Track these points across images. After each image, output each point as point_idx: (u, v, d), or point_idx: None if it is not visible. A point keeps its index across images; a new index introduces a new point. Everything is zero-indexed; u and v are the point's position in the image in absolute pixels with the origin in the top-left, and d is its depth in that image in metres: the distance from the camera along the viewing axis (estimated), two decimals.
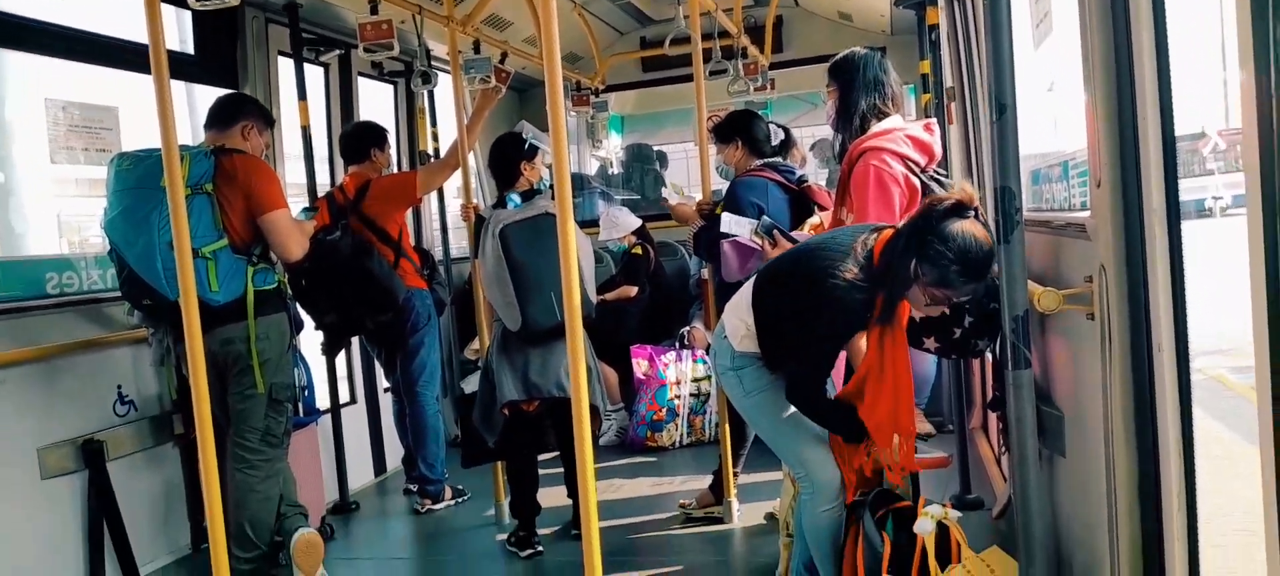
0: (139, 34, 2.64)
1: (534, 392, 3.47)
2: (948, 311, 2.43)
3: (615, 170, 7.54)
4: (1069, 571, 2.42)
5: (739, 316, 2.64)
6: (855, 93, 2.84)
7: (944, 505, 2.45)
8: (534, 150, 3.65)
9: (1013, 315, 1.72)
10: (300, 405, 3.94)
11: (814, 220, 3.19)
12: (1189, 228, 1.71)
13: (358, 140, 4.33)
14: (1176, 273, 1.61)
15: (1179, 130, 1.62)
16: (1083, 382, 2.06)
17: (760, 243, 2.93)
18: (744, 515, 3.90)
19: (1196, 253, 2.26)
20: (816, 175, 4.19)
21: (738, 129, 3.67)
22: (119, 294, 3.17)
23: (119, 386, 3.44)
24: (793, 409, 2.57)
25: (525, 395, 3.48)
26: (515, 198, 3.59)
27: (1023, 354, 1.74)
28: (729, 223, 3.09)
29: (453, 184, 4.76)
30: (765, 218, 3.07)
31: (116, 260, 3.04)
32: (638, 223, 5.47)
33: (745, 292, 2.65)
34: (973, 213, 2.27)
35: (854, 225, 2.62)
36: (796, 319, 2.48)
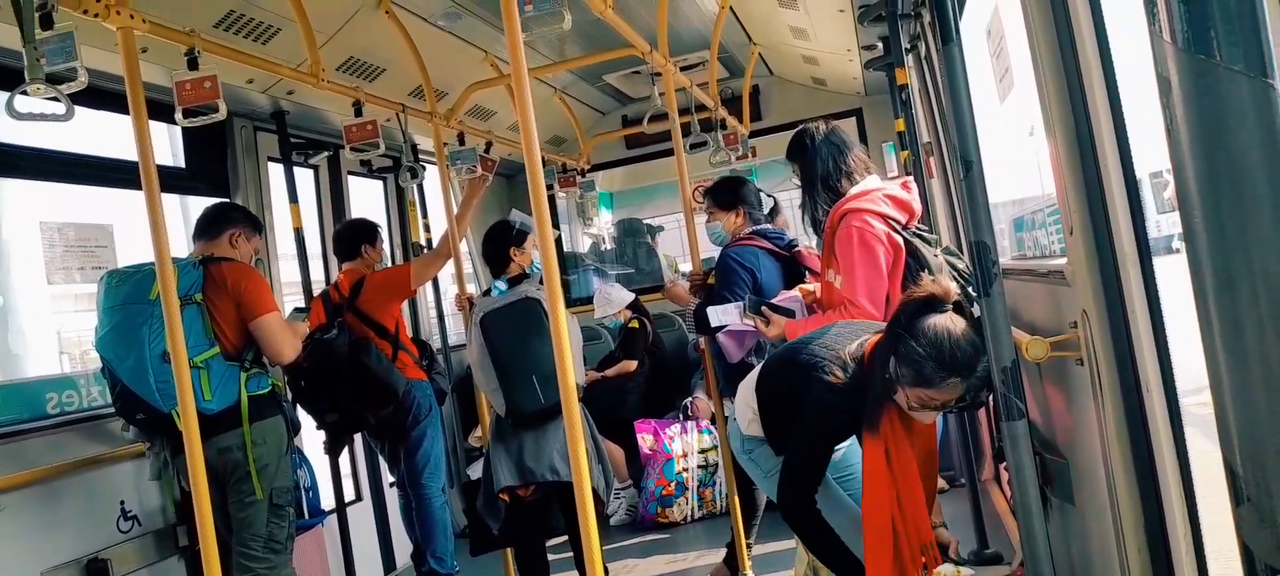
0: (131, 152, 2.71)
1: (528, 477, 3.45)
2: (945, 410, 2.31)
3: (608, 246, 7.61)
4: None
5: (746, 400, 2.65)
6: (814, 165, 2.90)
7: (956, 564, 2.42)
8: (522, 235, 3.71)
9: (1001, 366, 1.72)
10: (304, 507, 3.90)
11: (805, 286, 3.22)
12: (1165, 264, 1.73)
13: (349, 238, 4.39)
14: (1155, 311, 1.62)
15: (1146, 169, 1.65)
16: (1081, 428, 2.05)
17: (752, 322, 2.95)
18: None
19: (1182, 287, 2.28)
20: (805, 237, 4.24)
21: (738, 196, 3.73)
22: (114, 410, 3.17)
23: (122, 502, 3.41)
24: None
25: (520, 480, 3.47)
26: (500, 285, 3.64)
27: (1016, 405, 1.74)
28: (717, 314, 3.12)
29: (447, 272, 4.80)
30: (750, 297, 3.09)
31: (109, 376, 3.06)
32: (631, 297, 5.50)
33: (751, 378, 2.65)
34: (949, 307, 2.18)
35: (857, 322, 2.57)
36: (787, 417, 2.44)
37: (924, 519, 2.31)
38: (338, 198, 5.07)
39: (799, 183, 3.00)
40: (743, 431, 2.67)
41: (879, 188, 2.81)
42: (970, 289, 2.66)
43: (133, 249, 3.49)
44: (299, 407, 3.93)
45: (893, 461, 2.27)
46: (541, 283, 3.43)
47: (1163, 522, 1.74)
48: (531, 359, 3.39)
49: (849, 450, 2.56)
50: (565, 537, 3.78)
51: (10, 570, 2.96)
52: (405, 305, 4.84)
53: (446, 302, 5.38)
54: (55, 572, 3.09)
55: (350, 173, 5.19)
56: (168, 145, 5.15)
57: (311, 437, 4.23)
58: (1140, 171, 1.66)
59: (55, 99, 2.53)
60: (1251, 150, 0.79)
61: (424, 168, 4.52)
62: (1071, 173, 1.71)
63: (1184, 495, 1.68)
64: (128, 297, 3.01)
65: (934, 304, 2.18)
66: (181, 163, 4.31)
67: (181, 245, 3.52)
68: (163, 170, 2.73)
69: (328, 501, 4.32)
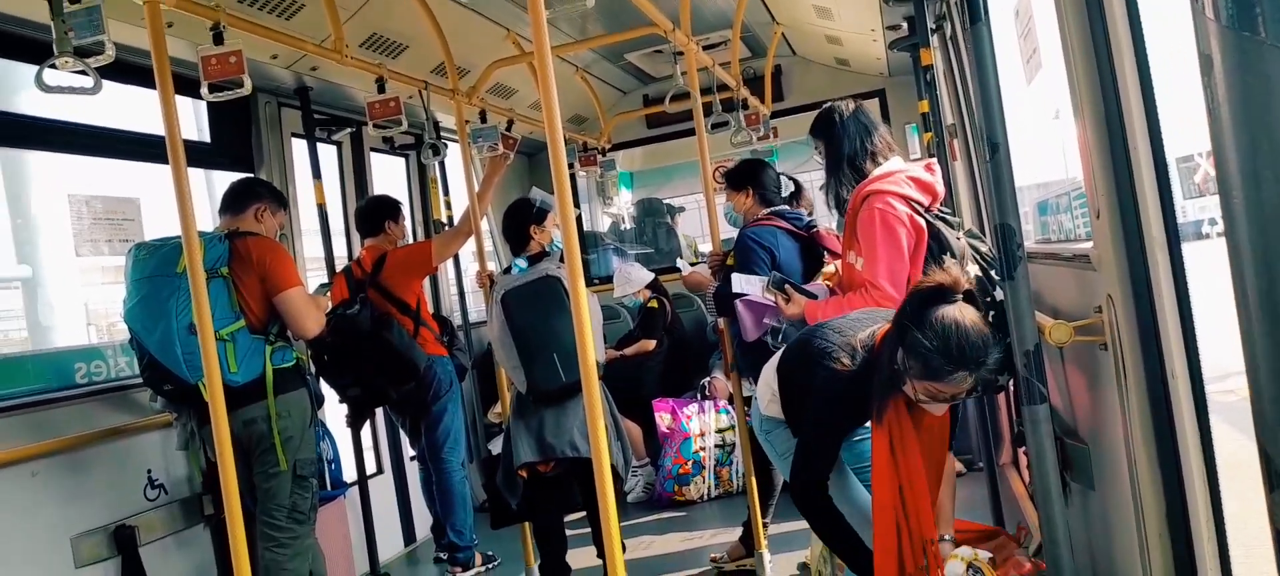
0: (157, 126, 2.74)
1: (548, 453, 3.48)
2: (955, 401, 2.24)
3: (627, 226, 7.61)
4: None
5: (767, 381, 2.65)
6: (840, 144, 2.88)
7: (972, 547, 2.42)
8: (542, 213, 3.71)
9: (1024, 350, 1.71)
10: (327, 479, 3.95)
11: (827, 269, 3.20)
12: (1194, 250, 1.71)
13: (372, 214, 4.42)
14: (1182, 298, 1.61)
15: (1175, 153, 1.63)
16: (1103, 413, 2.04)
17: (773, 298, 2.94)
18: (776, 566, 3.85)
19: (1210, 273, 2.25)
20: (827, 218, 4.23)
21: (749, 178, 3.71)
22: (142, 381, 3.22)
23: (149, 471, 3.47)
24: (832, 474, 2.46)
25: (540, 456, 3.49)
26: (520, 262, 3.65)
27: (1037, 389, 1.74)
28: (740, 282, 3.11)
29: (468, 250, 4.83)
30: (775, 272, 3.09)
31: (137, 348, 3.11)
32: (650, 277, 5.50)
33: (774, 359, 2.66)
34: (960, 296, 2.12)
35: (876, 309, 2.55)
36: (802, 400, 2.43)
37: (928, 513, 2.27)
38: (360, 174, 5.09)
39: (823, 161, 2.98)
40: (763, 411, 2.67)
41: (902, 169, 2.78)
42: (993, 272, 2.64)
43: (159, 222, 3.53)
44: (322, 381, 3.97)
45: (897, 453, 2.24)
46: (562, 261, 3.45)
47: (1185, 509, 1.73)
48: (552, 336, 3.40)
49: (866, 441, 2.56)
50: (583, 513, 3.82)
51: (41, 535, 3.03)
52: (426, 281, 4.87)
53: (467, 280, 5.41)
54: (84, 538, 3.15)
55: (372, 149, 5.21)
56: (193, 120, 5.21)
57: (334, 411, 4.29)
58: (1169, 155, 1.64)
59: (83, 72, 2.56)
60: None
61: (446, 145, 4.54)
62: (1100, 155, 1.69)
63: (1207, 483, 1.67)
64: (155, 270, 3.05)
65: (944, 294, 2.11)
66: (207, 138, 4.35)
67: (207, 219, 3.56)
68: (189, 144, 2.76)
69: (350, 473, 4.38)
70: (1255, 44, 0.79)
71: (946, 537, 2.35)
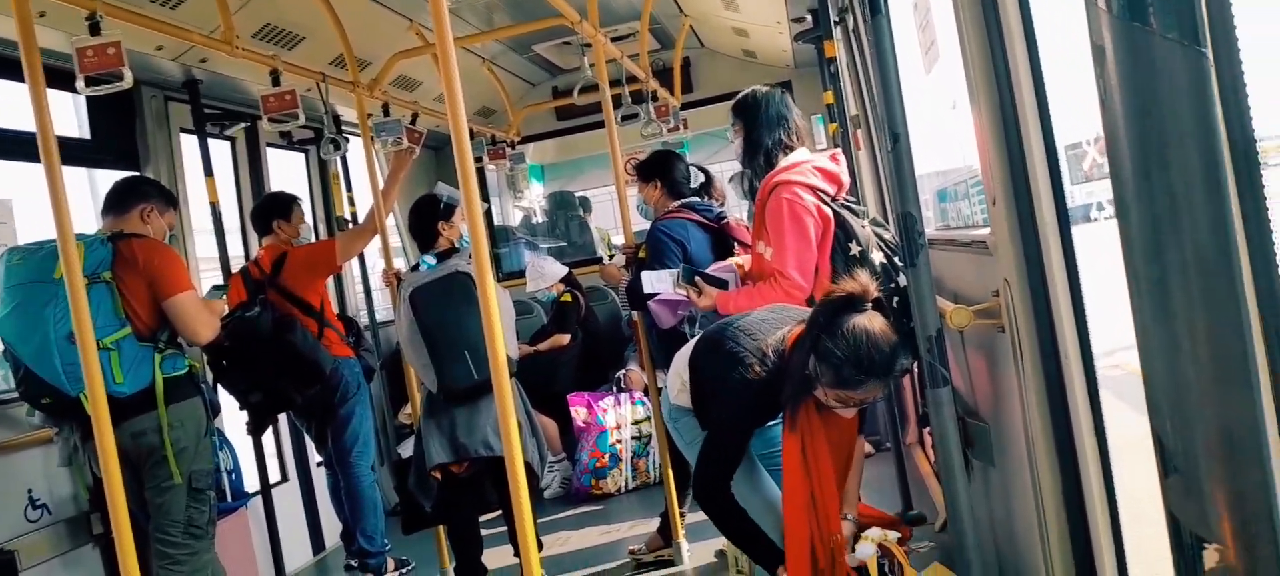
0: (29, 122, 2.56)
1: (462, 453, 3.42)
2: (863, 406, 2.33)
3: (539, 219, 7.54)
4: None
5: (678, 371, 2.66)
6: (759, 130, 2.90)
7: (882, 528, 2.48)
8: (449, 209, 3.64)
9: (926, 336, 1.76)
10: (227, 490, 3.78)
11: (736, 260, 3.23)
12: (1082, 233, 1.78)
13: (261, 214, 4.25)
14: (1073, 281, 1.67)
15: (1065, 141, 1.69)
16: (1002, 393, 2.11)
17: (685, 292, 2.95)
18: (694, 554, 3.88)
19: (1097, 255, 2.36)
20: (737, 208, 4.27)
21: (657, 170, 3.72)
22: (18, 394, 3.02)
23: (30, 490, 3.26)
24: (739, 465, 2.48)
25: (453, 457, 3.43)
26: (428, 260, 3.57)
27: (940, 372, 1.78)
28: (650, 281, 3.11)
29: (374, 247, 4.69)
30: (684, 265, 3.10)
31: (11, 360, 2.91)
32: (564, 271, 5.46)
33: (687, 349, 2.65)
34: (869, 306, 2.18)
35: (788, 306, 2.58)
36: (713, 398, 2.46)
37: (835, 516, 2.32)
38: (256, 171, 4.88)
39: (739, 144, 2.99)
40: (671, 400, 2.68)
41: (809, 160, 2.83)
42: (897, 259, 2.71)
43: (37, 226, 3.31)
44: (220, 388, 3.80)
45: (808, 455, 2.29)
46: (471, 257, 3.38)
47: (1078, 483, 1.81)
48: (463, 333, 3.34)
49: (778, 427, 2.59)
50: (499, 512, 3.76)
51: None
52: (330, 281, 4.71)
53: (373, 278, 5.26)
54: None
55: (269, 145, 5.01)
56: (73, 115, 4.89)
57: (233, 419, 4.10)
58: (1059, 144, 1.71)
59: None
60: (1184, 119, 0.78)
61: (347, 140, 4.39)
62: (995, 144, 1.74)
63: (1099, 457, 1.74)
64: (30, 276, 2.86)
65: (853, 303, 2.17)
66: (87, 134, 4.09)
67: (91, 221, 3.35)
68: (65, 142, 2.60)
69: (252, 483, 4.20)
70: (1146, 35, 0.81)
71: (849, 517, 2.41)
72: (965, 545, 1.87)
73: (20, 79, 2.35)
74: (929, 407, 1.94)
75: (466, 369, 3.36)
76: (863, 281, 2.21)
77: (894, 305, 2.62)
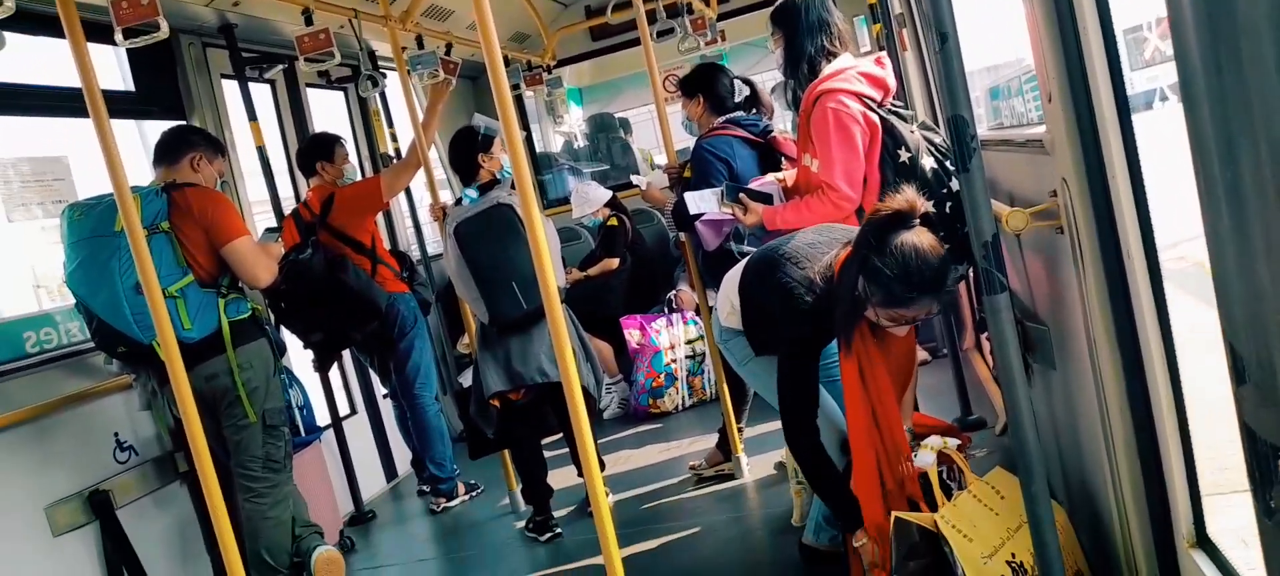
0: (75, 78, 2.61)
1: (517, 381, 3.48)
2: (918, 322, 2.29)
3: (581, 143, 7.49)
4: (1071, 480, 2.45)
5: (727, 294, 2.65)
6: (800, 38, 2.81)
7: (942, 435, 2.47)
8: (488, 140, 3.63)
9: (981, 242, 1.71)
10: (299, 425, 3.92)
11: (780, 174, 3.17)
12: (1145, 120, 1.70)
13: (304, 156, 4.30)
14: (1135, 176, 1.61)
15: (1123, 25, 1.61)
16: (1062, 295, 2.06)
17: (730, 210, 2.91)
18: (753, 468, 3.93)
19: (1160, 142, 2.26)
20: (780, 120, 4.17)
21: (700, 84, 3.63)
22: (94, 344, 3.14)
23: (116, 433, 3.42)
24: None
25: (509, 385, 3.49)
26: (470, 193, 3.58)
27: (997, 278, 1.74)
28: (695, 201, 3.08)
29: (420, 183, 4.72)
30: (728, 183, 3.05)
31: (84, 311, 3.02)
32: (608, 195, 5.44)
33: (736, 272, 2.63)
34: (917, 221, 2.14)
35: (834, 227, 2.54)
36: (764, 324, 2.45)
37: (900, 435, 2.31)
38: (298, 112, 4.92)
39: (780, 54, 2.91)
40: (722, 322, 2.68)
41: (853, 66, 2.74)
42: (949, 164, 2.63)
43: (93, 180, 3.39)
44: (283, 329, 3.90)
45: (866, 377, 2.27)
46: (513, 187, 3.38)
47: (1144, 383, 1.77)
48: (509, 265, 3.37)
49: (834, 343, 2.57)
50: (561, 435, 3.84)
51: (13, 508, 2.98)
52: (381, 218, 4.77)
53: (422, 212, 5.30)
54: (58, 506, 3.11)
55: (309, 85, 5.03)
56: (117, 69, 4.95)
57: (300, 357, 4.23)
58: (1117, 29, 1.62)
59: None
60: (1259, 3, 0.71)
61: (384, 75, 4.39)
62: (1049, 36, 1.66)
63: (1165, 354, 1.70)
64: (92, 231, 2.94)
65: (901, 219, 2.13)
66: (131, 86, 4.15)
67: (144, 172, 3.42)
68: (111, 95, 2.64)
69: (324, 417, 4.35)
70: None
71: (907, 429, 2.40)
72: (1026, 449, 1.85)
73: (61, 35, 2.38)
74: (986, 314, 1.90)
75: (515, 299, 3.39)
76: (909, 197, 2.15)
77: (947, 211, 2.56)
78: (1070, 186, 1.74)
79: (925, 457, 2.37)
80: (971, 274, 3.01)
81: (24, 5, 2.45)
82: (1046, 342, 2.28)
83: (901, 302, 2.12)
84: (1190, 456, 1.74)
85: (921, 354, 4.83)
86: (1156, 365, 1.70)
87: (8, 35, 2.56)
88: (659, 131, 3.85)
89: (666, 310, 5.40)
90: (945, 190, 2.60)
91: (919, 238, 2.12)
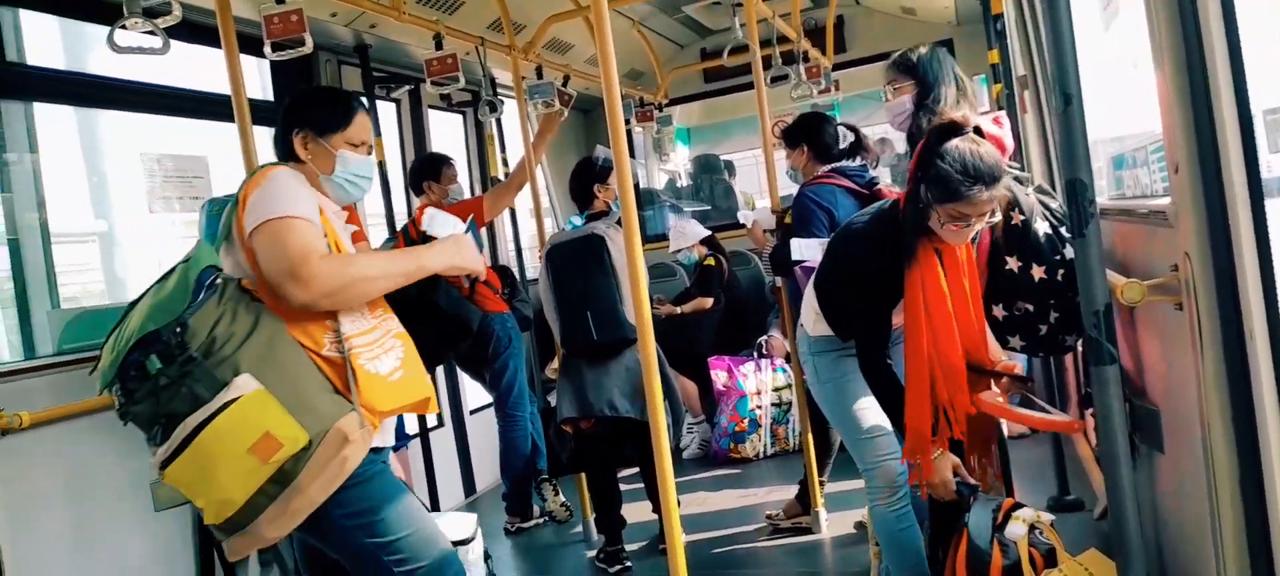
0: (223, 86, 2.81)
1: (587, 411, 3.52)
2: (985, 232, 2.46)
3: (684, 182, 7.56)
4: (1172, 571, 2.31)
5: (808, 303, 2.74)
6: (936, 88, 2.82)
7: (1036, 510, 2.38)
8: (606, 171, 3.71)
9: (1092, 310, 1.66)
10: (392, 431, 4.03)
11: None
12: (1277, 206, 1.62)
13: (414, 175, 4.49)
14: (1265, 257, 1.53)
15: (1261, 105, 1.55)
16: (1176, 375, 1.97)
17: None
18: (832, 524, 3.85)
19: None
20: (887, 169, 4.13)
21: (804, 134, 3.63)
22: None
23: None
24: (859, 399, 2.64)
25: (578, 413, 3.53)
26: (576, 220, 3.67)
27: (1106, 349, 1.68)
28: (799, 248, 3.08)
29: (524, 206, 4.86)
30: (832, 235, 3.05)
31: None
32: (705, 232, 5.47)
33: (812, 279, 2.73)
34: (970, 130, 2.34)
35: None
36: (841, 286, 2.59)
37: (957, 358, 2.40)
38: (418, 131, 5.15)
39: (899, 102, 2.93)
40: (809, 333, 2.77)
41: (971, 122, 2.70)
42: (1063, 229, 2.56)
43: (229, 180, 3.61)
44: None
45: (926, 296, 2.39)
46: (618, 220, 3.45)
47: (1259, 477, 1.67)
48: (588, 294, 3.43)
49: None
50: (638, 469, 3.85)
51: (125, 481, 3.12)
52: (485, 236, 4.92)
53: (523, 235, 5.44)
54: (162, 484, 3.27)
55: (431, 107, 5.26)
56: (258, 79, 5.29)
57: None
58: (1254, 107, 1.56)
59: (152, 33, 2.62)
60: None
61: (502, 102, 4.55)
62: (1180, 106, 1.61)
63: None
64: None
65: (956, 129, 2.33)
66: (271, 96, 4.43)
67: None
68: (254, 103, 2.82)
69: (412, 426, 4.48)
70: None
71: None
72: (1127, 534, 1.76)
73: (216, 44, 2.58)
74: (1093, 387, 1.83)
75: (587, 328, 3.45)
76: (963, 111, 2.41)
77: (1059, 278, 2.48)
78: (1193, 261, 1.67)
79: (1016, 529, 2.28)
80: (1080, 346, 2.90)
81: (186, 16, 2.66)
82: (1155, 423, 2.18)
83: (959, 194, 2.27)
84: None
85: (1021, 427, 4.65)
86: (1275, 456, 1.60)
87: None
88: (763, 175, 3.86)
89: (756, 354, 5.37)
90: (1058, 256, 2.52)
91: (973, 142, 2.30)
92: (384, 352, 2.02)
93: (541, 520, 4.49)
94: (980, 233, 2.43)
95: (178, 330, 1.79)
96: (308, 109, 2.17)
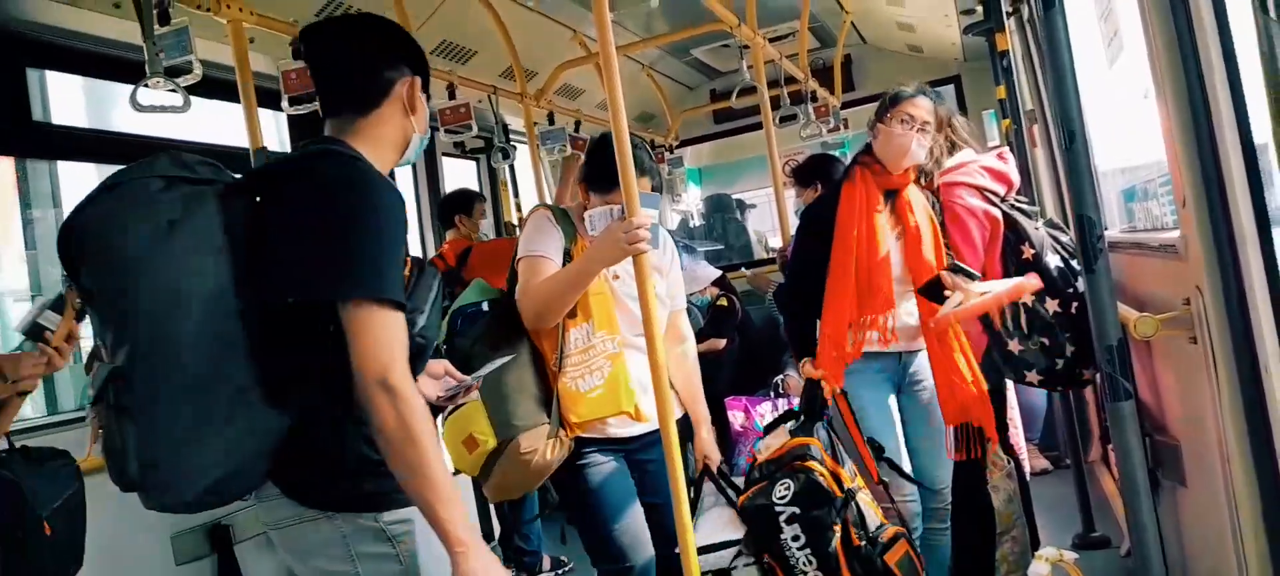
0: (241, 139, 2.86)
1: None
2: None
3: (696, 222, 7.59)
4: None
5: None
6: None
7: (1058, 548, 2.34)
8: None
9: (1106, 345, 1.65)
10: None
11: None
12: None
13: (445, 209, 4.53)
14: (1275, 288, 1.53)
15: (1265, 137, 1.55)
16: (1193, 408, 1.95)
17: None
18: None
19: None
20: None
21: (816, 173, 3.66)
22: None
23: None
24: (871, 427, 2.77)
25: None
26: None
27: (1122, 385, 1.67)
28: None
29: None
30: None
31: None
32: (717, 274, 5.47)
33: None
34: None
35: None
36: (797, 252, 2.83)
37: (882, 278, 2.56)
38: (432, 178, 5.21)
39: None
40: None
41: (975, 159, 2.72)
42: (1075, 264, 2.55)
43: None
44: None
45: (857, 220, 2.58)
46: None
47: None
48: None
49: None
50: None
51: (144, 534, 3.09)
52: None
53: None
54: (182, 537, 3.24)
55: (444, 154, 5.32)
56: (275, 132, 5.38)
57: None
58: (1259, 138, 1.57)
59: (173, 91, 2.68)
60: None
61: (515, 148, 4.60)
62: (1184, 141, 1.62)
63: None
64: None
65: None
66: (288, 148, 4.50)
67: None
68: (271, 155, 2.87)
69: None
70: None
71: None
72: (1150, 568, 1.74)
73: (235, 99, 2.63)
74: (1110, 423, 1.82)
75: None
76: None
77: (1072, 312, 2.48)
78: (1204, 295, 1.66)
79: (1039, 569, 2.25)
80: (1098, 379, 2.88)
81: (205, 72, 2.72)
82: (1176, 458, 2.15)
83: (899, 99, 2.60)
84: None
85: (1042, 462, 4.59)
86: None
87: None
88: (775, 214, 3.88)
89: (773, 394, 5.33)
90: (1071, 289, 2.52)
91: None
92: (590, 372, 2.39)
93: (552, 573, 4.45)
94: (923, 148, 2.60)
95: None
96: None
